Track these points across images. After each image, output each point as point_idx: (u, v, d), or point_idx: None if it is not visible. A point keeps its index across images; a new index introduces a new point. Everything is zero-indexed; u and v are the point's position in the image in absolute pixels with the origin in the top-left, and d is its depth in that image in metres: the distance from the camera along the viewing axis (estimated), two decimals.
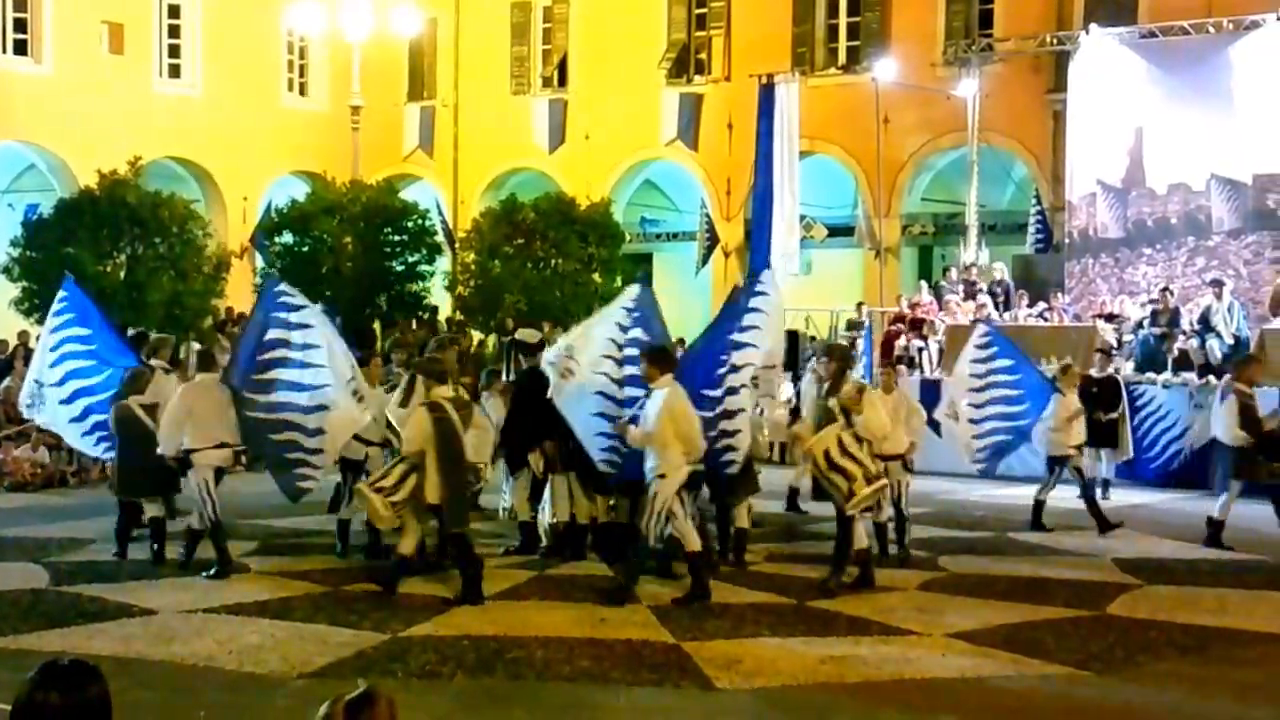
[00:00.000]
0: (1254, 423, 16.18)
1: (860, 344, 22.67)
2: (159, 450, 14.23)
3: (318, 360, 14.20)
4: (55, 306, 16.78)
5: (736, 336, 14.53)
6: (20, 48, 32.97)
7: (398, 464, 13.37)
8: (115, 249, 27.61)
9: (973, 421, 17.27)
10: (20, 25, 32.94)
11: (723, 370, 14.24)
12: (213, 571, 13.90)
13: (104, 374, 15.78)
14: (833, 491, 13.49)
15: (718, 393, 14.13)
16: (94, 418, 15.72)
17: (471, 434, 13.85)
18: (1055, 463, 17.67)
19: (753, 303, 14.90)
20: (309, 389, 14.13)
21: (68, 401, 16.02)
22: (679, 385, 13.08)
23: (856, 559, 13.75)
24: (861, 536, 13.75)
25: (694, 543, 13.18)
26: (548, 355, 14.48)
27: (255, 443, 14.69)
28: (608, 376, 14.02)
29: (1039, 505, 17.68)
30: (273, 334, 14.26)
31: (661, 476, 12.83)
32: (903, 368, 24.33)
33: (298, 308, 14.50)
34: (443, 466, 12.96)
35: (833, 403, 13.82)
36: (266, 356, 14.19)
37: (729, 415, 14.15)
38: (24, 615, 12.19)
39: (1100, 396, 20.05)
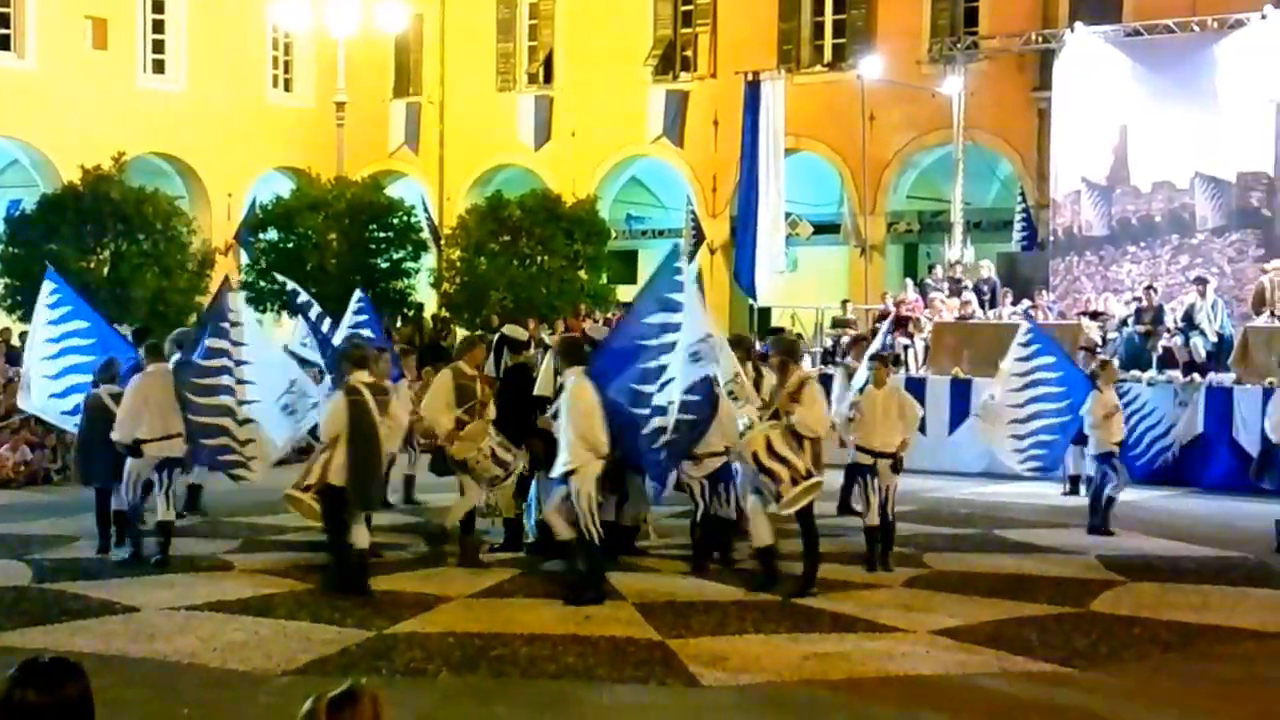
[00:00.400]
0: None
1: (877, 339, 22.08)
2: (114, 437, 14.34)
3: (249, 376, 14.48)
4: (48, 300, 16.77)
5: (652, 319, 13.56)
6: (3, 43, 32.91)
7: (319, 456, 13.43)
8: (99, 245, 27.57)
9: (1015, 422, 17.05)
10: (3, 20, 32.86)
11: (649, 364, 13.40)
12: (126, 557, 14.35)
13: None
14: (766, 493, 13.10)
15: (650, 388, 13.39)
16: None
17: (385, 422, 13.71)
18: (1103, 460, 17.06)
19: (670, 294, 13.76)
20: (239, 400, 14.46)
21: (60, 395, 16.12)
22: (587, 378, 12.87)
23: (759, 556, 13.52)
24: (765, 535, 13.35)
25: (563, 531, 13.11)
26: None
27: (191, 438, 14.60)
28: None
29: (1109, 503, 17.05)
30: (213, 343, 14.47)
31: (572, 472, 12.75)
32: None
33: (236, 324, 14.65)
34: (351, 450, 12.97)
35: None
36: (209, 363, 14.41)
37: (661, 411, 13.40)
38: (6, 612, 12.14)
39: None
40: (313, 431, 14.81)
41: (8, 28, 32.88)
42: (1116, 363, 21.80)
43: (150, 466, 14.34)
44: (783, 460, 12.90)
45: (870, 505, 14.63)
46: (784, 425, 13.13)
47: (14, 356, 23.82)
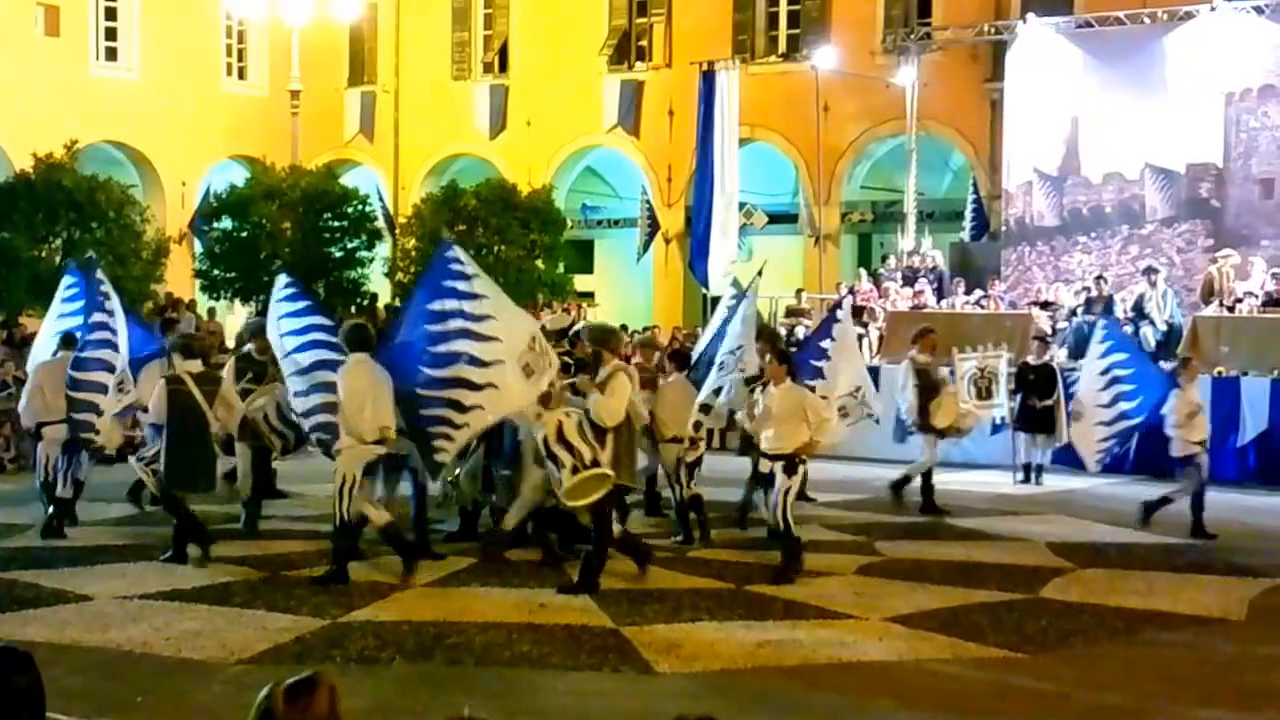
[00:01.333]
0: None
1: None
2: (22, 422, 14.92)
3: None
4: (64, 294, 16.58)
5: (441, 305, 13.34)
6: None
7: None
8: (51, 233, 27.37)
9: (1103, 424, 17.10)
10: None
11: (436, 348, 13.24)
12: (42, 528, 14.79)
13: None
14: (551, 479, 12.79)
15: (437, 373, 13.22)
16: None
17: (219, 408, 14.04)
18: (1185, 463, 16.43)
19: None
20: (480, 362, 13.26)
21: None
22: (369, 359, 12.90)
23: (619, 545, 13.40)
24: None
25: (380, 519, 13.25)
26: None
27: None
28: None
29: (1198, 509, 16.30)
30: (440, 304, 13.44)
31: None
32: None
33: (470, 276, 13.50)
34: (170, 436, 13.51)
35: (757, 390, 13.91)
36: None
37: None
38: None
39: (1037, 383, 20.18)
40: None
41: None
42: (1064, 352, 21.97)
43: (58, 445, 14.95)
44: (569, 448, 12.46)
45: (765, 506, 14.26)
46: (580, 413, 12.91)
47: None
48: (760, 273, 18.59)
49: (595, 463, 12.54)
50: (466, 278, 13.35)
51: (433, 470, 13.99)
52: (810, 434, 13.49)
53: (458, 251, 13.82)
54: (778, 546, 14.05)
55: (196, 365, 14.03)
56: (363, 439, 12.87)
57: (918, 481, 17.71)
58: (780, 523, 13.53)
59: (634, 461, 13.94)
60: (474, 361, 13.09)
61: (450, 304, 13.23)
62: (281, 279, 14.93)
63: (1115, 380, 17.03)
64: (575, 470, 12.40)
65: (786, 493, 13.44)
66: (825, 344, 15.92)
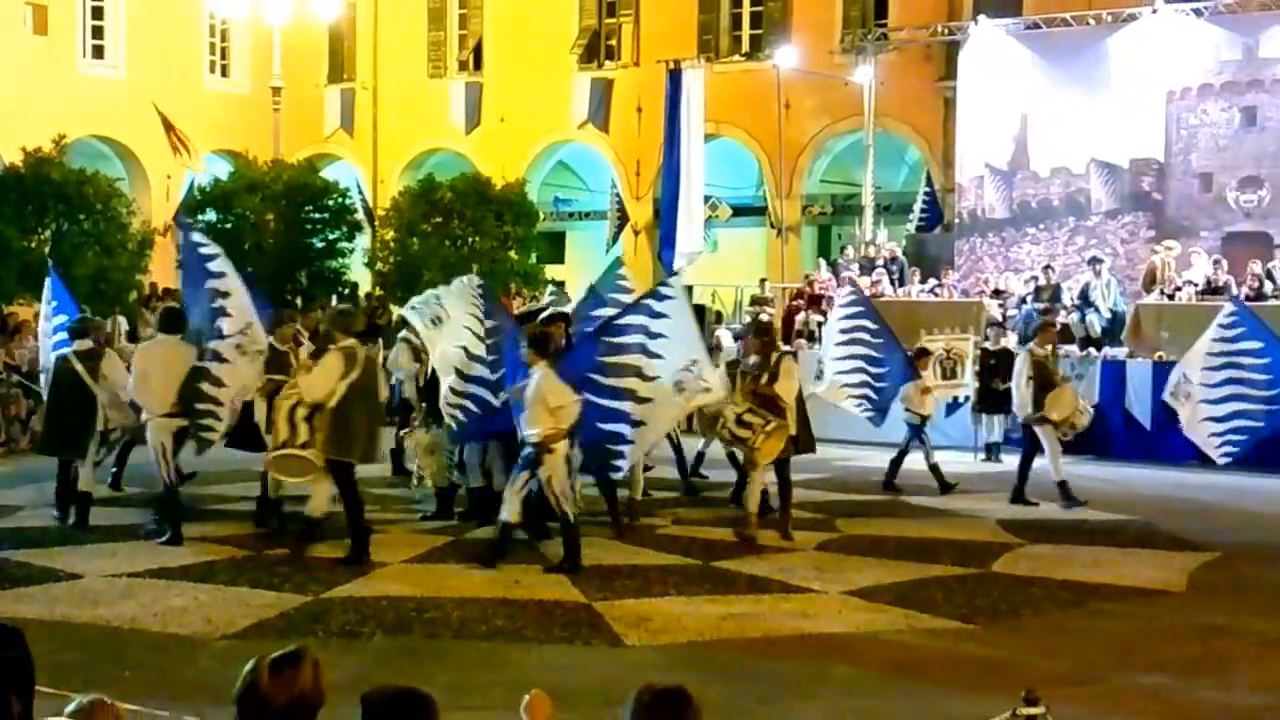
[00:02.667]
0: None
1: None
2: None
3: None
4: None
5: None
6: None
7: None
8: (40, 225, 27.19)
9: (1208, 402, 16.01)
10: None
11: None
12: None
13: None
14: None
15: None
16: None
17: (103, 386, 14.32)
18: None
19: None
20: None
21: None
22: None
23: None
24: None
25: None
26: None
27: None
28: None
29: None
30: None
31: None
32: (802, 341, 24.52)
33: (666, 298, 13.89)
34: (47, 407, 14.80)
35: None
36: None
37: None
38: None
39: (996, 367, 20.18)
40: None
41: None
42: (1015, 338, 22.00)
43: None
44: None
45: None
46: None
47: None
48: (676, 272, 18.71)
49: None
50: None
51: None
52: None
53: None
54: (736, 524, 14.23)
55: (87, 343, 14.55)
56: (157, 412, 13.38)
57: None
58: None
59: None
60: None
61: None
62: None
63: (1238, 366, 15.80)
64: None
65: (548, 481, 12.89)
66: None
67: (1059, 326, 23.21)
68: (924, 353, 18.58)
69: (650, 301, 13.98)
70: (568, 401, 12.69)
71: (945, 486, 17.59)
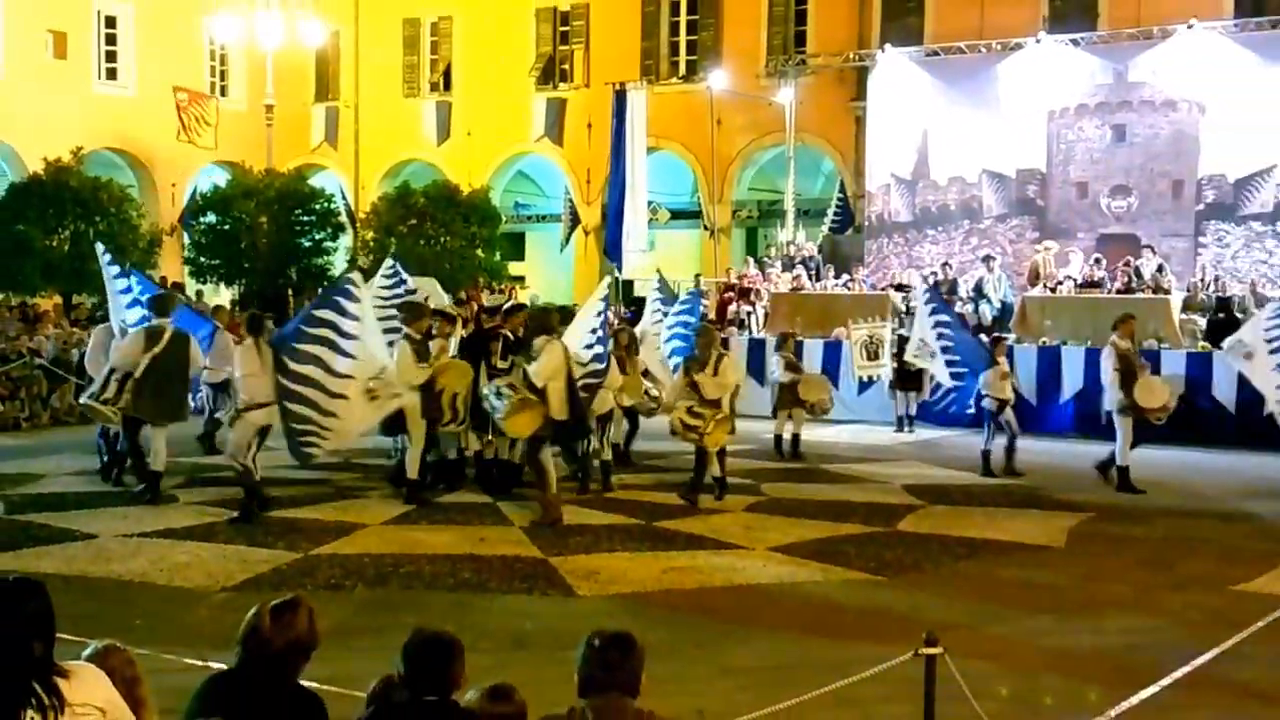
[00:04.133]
0: None
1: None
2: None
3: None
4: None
5: None
6: None
7: None
8: (60, 226, 27.04)
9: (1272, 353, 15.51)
10: None
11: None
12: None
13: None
14: None
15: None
16: None
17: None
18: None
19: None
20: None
21: None
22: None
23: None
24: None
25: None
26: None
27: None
28: None
29: None
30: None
31: None
32: (734, 329, 24.55)
33: (358, 300, 13.23)
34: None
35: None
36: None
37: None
38: None
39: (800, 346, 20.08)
40: None
41: None
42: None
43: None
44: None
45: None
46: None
47: None
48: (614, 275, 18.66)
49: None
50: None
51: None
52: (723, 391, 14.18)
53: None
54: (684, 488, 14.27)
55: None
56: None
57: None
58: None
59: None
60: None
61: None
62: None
63: None
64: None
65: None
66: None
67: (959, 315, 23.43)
68: (1127, 318, 16.76)
69: (340, 299, 13.14)
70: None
71: (1014, 472, 16.51)
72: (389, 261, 16.01)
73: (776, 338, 19.36)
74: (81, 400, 14.87)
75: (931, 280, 24.98)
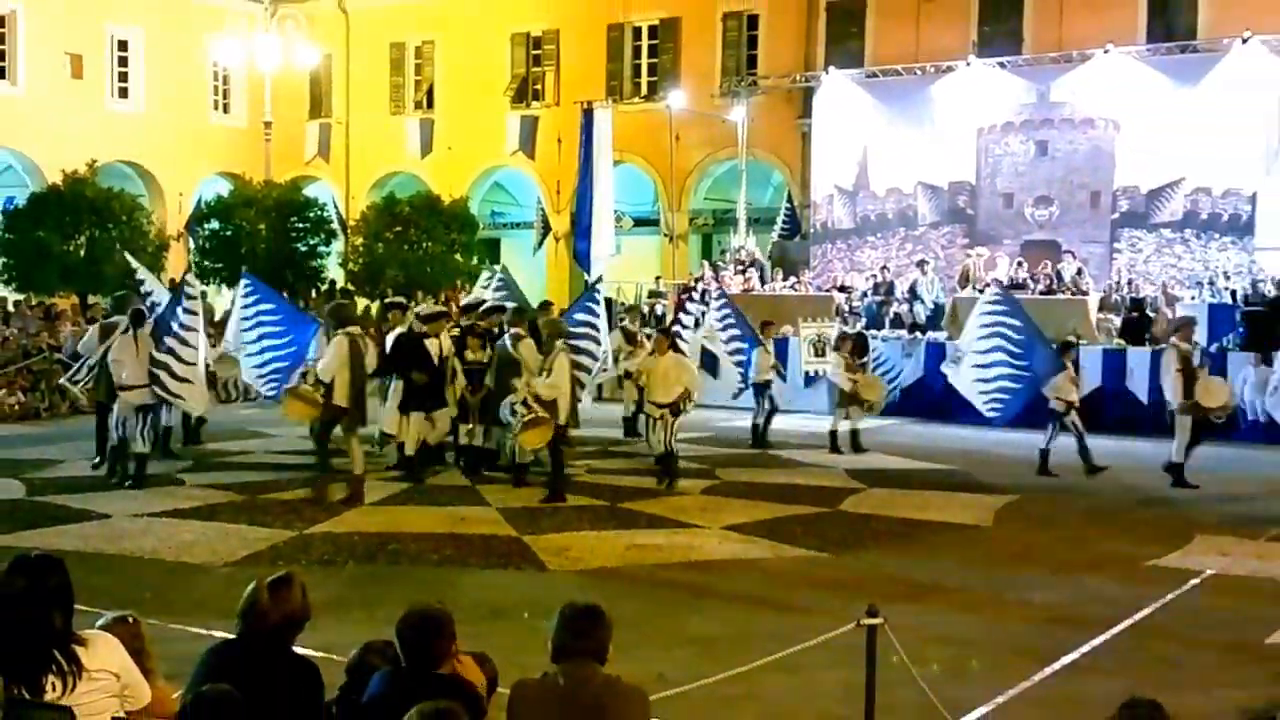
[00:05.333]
0: None
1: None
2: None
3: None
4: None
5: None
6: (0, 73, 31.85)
7: None
8: (77, 232, 26.90)
9: (978, 366, 15.85)
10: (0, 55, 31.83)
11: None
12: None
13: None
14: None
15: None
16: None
17: None
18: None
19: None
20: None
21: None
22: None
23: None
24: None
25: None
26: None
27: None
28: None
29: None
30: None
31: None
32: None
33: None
34: None
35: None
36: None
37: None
38: (3, 519, 11.81)
39: (855, 348, 20.02)
40: None
41: (3, 61, 31.75)
42: (863, 324, 22.09)
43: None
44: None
45: (659, 440, 14.70)
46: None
47: (6, 318, 23.26)
48: (599, 279, 18.75)
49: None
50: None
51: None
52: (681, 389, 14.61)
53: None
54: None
55: None
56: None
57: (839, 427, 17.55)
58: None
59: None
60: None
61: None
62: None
63: (998, 337, 15.73)
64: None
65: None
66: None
67: (892, 315, 23.52)
68: (1189, 322, 16.59)
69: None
70: None
71: (1094, 468, 15.60)
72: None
73: (835, 339, 18.86)
74: (60, 381, 16.18)
75: (872, 283, 25.08)
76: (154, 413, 14.08)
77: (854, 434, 17.50)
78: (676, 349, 15.84)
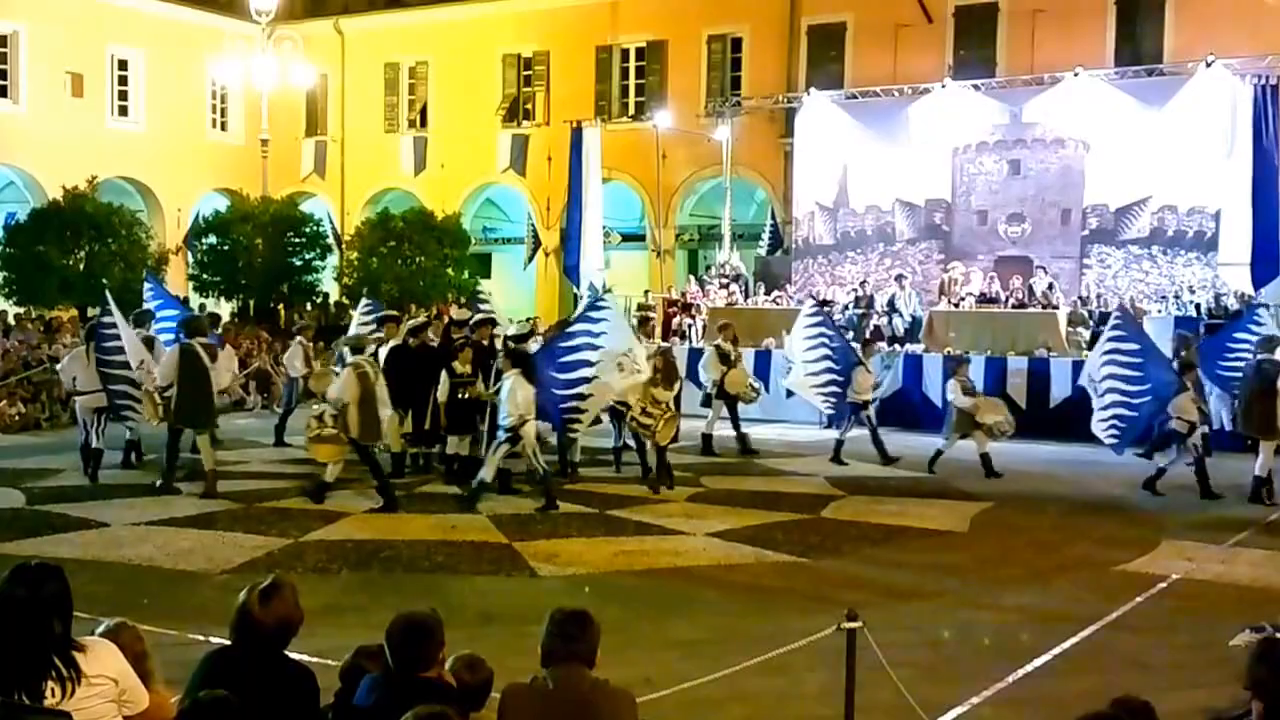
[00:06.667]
0: None
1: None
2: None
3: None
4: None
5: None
6: (1, 91, 31.64)
7: None
8: (77, 247, 26.78)
9: (1095, 395, 15.42)
10: (1, 74, 31.61)
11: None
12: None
13: None
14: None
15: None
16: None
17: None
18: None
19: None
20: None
21: None
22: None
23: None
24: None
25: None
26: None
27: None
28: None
29: None
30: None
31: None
32: (676, 339, 24.57)
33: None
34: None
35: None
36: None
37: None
38: (4, 528, 11.75)
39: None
40: None
41: (5, 80, 31.65)
42: (851, 336, 22.06)
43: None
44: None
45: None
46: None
47: (7, 331, 23.16)
48: (609, 289, 18.71)
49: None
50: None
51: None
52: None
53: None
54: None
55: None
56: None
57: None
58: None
59: None
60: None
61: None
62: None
63: (1113, 365, 15.25)
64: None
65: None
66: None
67: (871, 327, 23.52)
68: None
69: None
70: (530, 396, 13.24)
71: (1210, 493, 14.85)
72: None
73: (949, 363, 18.05)
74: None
75: (852, 296, 25.06)
76: (109, 416, 14.75)
77: (985, 458, 16.25)
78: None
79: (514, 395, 13.03)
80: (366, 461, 13.45)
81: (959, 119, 25.88)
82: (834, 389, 17.25)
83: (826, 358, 17.27)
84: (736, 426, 18.19)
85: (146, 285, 18.17)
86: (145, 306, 17.10)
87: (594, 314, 14.66)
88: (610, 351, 14.11)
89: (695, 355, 22.33)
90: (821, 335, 17.45)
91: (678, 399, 15.54)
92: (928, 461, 16.47)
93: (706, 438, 17.89)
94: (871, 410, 17.48)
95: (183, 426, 14.20)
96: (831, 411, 17.85)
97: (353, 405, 13.00)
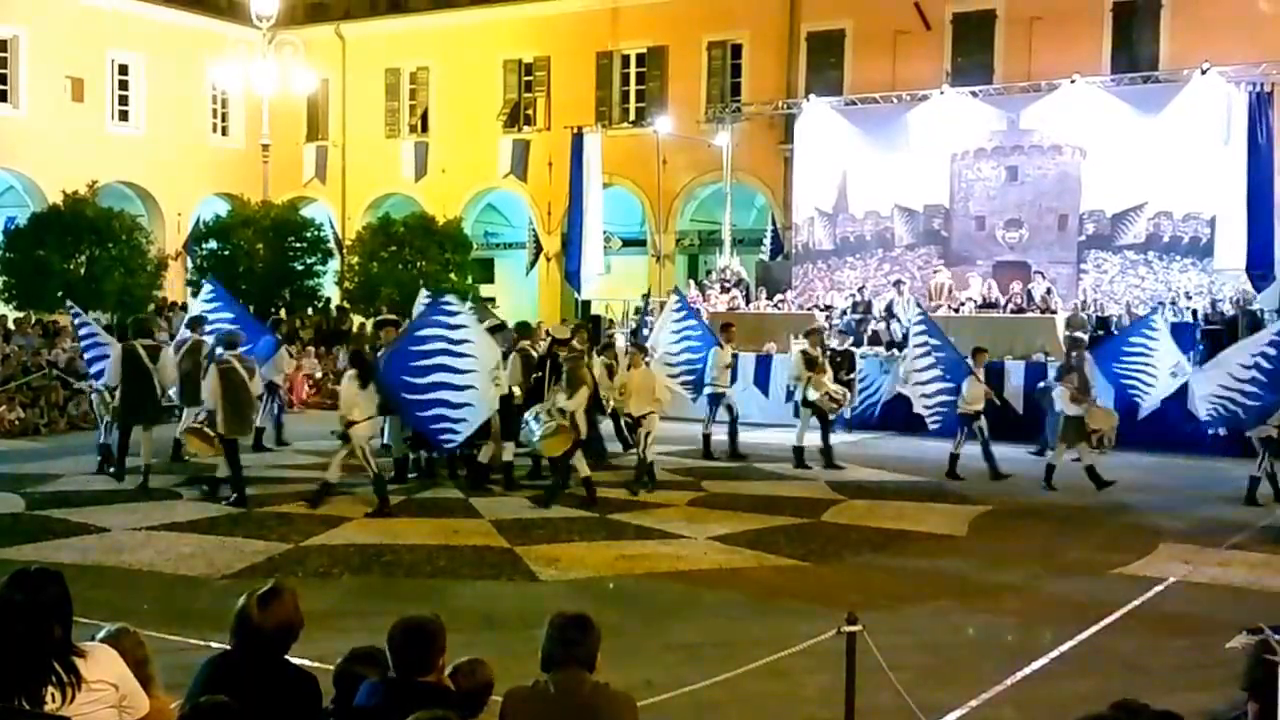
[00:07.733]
0: None
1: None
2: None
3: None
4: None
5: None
6: (2, 96, 31.63)
7: None
8: (77, 251, 26.71)
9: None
10: (1, 79, 31.59)
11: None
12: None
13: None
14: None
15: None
16: None
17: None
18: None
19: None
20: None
21: None
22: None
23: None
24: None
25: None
26: None
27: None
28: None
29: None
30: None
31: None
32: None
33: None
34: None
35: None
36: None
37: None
38: (4, 533, 11.73)
39: (841, 363, 19.85)
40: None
41: (6, 84, 31.63)
42: (850, 341, 22.01)
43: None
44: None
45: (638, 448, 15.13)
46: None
47: (7, 335, 23.14)
48: (676, 289, 18.56)
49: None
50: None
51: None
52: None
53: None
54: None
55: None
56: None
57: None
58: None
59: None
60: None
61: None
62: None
63: (928, 356, 16.36)
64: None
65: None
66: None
67: (869, 332, 23.51)
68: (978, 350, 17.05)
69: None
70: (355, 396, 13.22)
71: (998, 474, 16.02)
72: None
73: (1058, 369, 17.20)
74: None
75: (850, 301, 25.03)
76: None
77: (1091, 469, 15.56)
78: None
79: (342, 396, 13.25)
80: (229, 459, 13.60)
81: (957, 125, 25.88)
82: (943, 400, 16.45)
83: (935, 366, 16.50)
84: (825, 438, 17.41)
85: (208, 287, 17.87)
86: (196, 312, 17.00)
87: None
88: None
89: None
90: (929, 346, 16.69)
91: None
92: (991, 472, 16.25)
93: (719, 439, 17.52)
94: (984, 421, 16.55)
95: (128, 424, 14.54)
96: (939, 424, 16.81)
97: (217, 402, 13.29)
